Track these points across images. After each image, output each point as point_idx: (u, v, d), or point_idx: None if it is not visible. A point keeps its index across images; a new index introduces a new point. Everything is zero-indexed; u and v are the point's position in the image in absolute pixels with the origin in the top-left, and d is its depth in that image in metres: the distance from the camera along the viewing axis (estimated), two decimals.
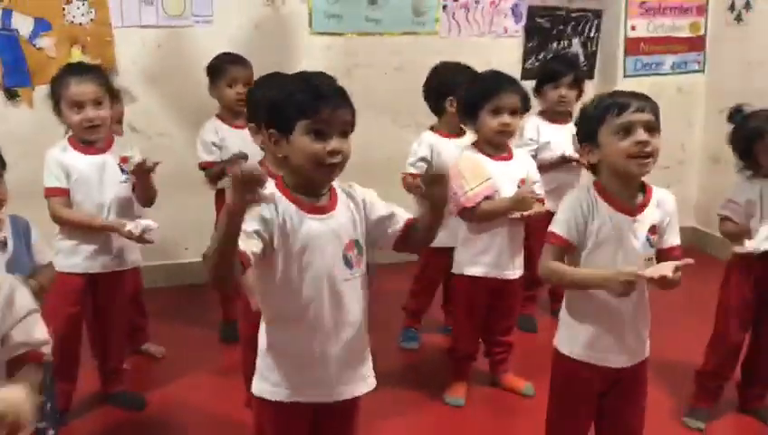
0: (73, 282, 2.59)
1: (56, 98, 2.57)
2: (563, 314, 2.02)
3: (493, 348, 2.93)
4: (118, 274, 2.67)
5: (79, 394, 2.73)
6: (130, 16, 3.73)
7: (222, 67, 3.29)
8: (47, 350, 1.56)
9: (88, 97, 2.51)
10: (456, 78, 3.06)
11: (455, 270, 2.81)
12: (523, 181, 2.69)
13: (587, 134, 1.93)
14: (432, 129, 3.22)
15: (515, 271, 2.76)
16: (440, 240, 3.05)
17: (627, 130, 1.83)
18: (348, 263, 1.72)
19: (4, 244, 2.14)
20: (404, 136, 3.65)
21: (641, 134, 1.83)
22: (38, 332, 1.54)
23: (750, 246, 2.48)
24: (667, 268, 1.74)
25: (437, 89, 3.16)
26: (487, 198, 2.62)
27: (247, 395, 1.93)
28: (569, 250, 1.91)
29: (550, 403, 2.08)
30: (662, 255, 1.91)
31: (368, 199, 1.80)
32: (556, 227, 1.92)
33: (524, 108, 2.74)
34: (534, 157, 3.27)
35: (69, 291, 2.58)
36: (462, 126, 3.01)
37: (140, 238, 2.53)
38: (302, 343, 1.71)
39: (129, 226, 2.50)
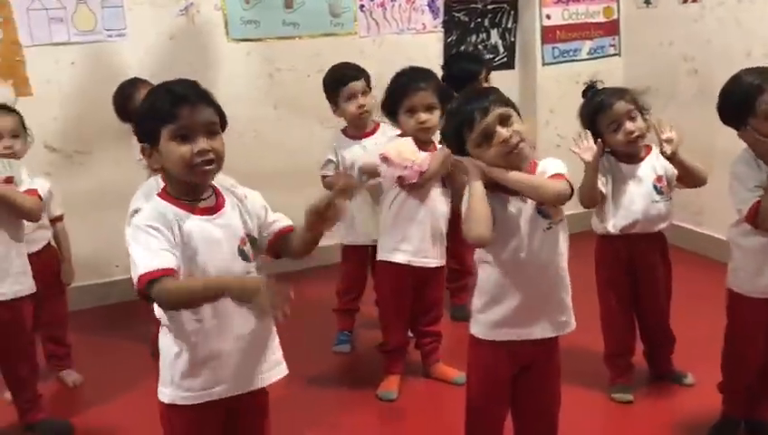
0: None
1: None
2: (475, 298, 2.06)
3: (422, 339, 2.96)
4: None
5: None
6: (40, 34, 3.66)
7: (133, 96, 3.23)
8: None
9: None
10: (346, 74, 3.13)
11: (378, 257, 2.85)
12: None
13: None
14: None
15: (437, 259, 2.80)
16: (355, 238, 3.16)
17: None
18: (245, 257, 1.75)
19: None
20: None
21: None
22: None
23: (609, 226, 2.60)
24: None
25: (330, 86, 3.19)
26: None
27: None
28: None
29: (467, 390, 2.12)
30: None
31: (249, 197, 1.82)
32: None
33: (443, 100, 2.72)
34: None
35: None
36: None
37: None
38: (210, 342, 1.72)
39: None
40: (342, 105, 3.12)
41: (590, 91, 2.63)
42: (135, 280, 1.62)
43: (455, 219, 2.85)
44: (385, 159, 2.70)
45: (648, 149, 2.62)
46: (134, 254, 1.64)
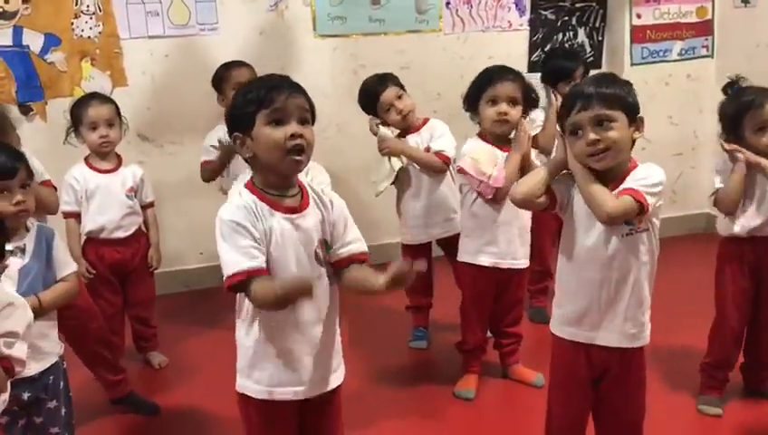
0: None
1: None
2: (555, 296, 2.05)
3: (501, 340, 2.94)
4: None
5: (83, 404, 2.63)
6: (137, 28, 3.80)
7: (224, 74, 3.34)
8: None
9: None
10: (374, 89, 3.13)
11: (460, 259, 2.84)
12: None
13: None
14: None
15: (522, 260, 2.78)
16: (415, 237, 3.17)
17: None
18: (319, 260, 1.77)
19: (22, 251, 2.13)
20: None
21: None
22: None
23: (737, 227, 2.50)
24: None
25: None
26: None
27: None
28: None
29: (548, 388, 2.11)
30: None
31: (335, 205, 1.81)
32: None
33: (528, 100, 2.70)
34: None
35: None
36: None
37: None
38: (281, 340, 1.75)
39: None
40: (384, 117, 3.12)
41: (733, 87, 2.53)
42: (225, 276, 1.67)
43: (534, 220, 2.84)
44: (461, 171, 2.69)
45: None
46: (222, 251, 1.68)
